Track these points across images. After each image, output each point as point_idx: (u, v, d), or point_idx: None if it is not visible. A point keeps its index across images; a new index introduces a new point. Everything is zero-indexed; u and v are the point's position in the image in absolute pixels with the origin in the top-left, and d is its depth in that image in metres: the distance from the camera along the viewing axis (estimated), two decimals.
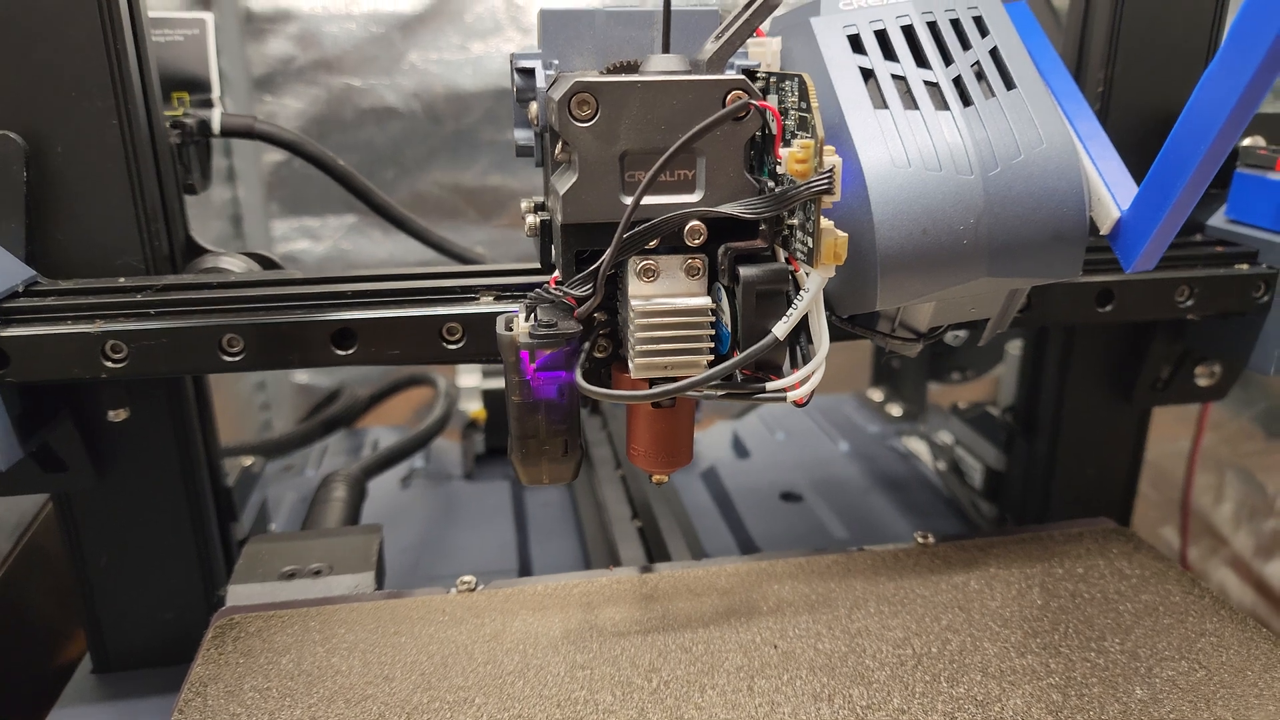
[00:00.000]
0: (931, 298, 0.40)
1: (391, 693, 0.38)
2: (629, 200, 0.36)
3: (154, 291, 0.44)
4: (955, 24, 0.42)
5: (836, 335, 0.46)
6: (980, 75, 0.40)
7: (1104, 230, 0.41)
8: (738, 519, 0.72)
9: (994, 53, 0.41)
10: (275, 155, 1.01)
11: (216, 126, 0.57)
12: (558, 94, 0.35)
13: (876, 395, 0.95)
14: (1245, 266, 0.51)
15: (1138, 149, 0.45)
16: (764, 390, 0.37)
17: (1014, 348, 0.65)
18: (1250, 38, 0.32)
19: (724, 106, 0.36)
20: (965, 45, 0.41)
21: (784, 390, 0.37)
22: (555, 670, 0.39)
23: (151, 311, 0.43)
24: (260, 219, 1.02)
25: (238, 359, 0.43)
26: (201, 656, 0.40)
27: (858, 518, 0.71)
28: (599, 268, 0.36)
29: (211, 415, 0.55)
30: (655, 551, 0.61)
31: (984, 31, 0.41)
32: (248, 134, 0.59)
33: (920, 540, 0.48)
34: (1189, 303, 0.50)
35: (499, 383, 0.84)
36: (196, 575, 0.52)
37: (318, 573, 0.46)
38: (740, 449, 0.87)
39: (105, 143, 0.46)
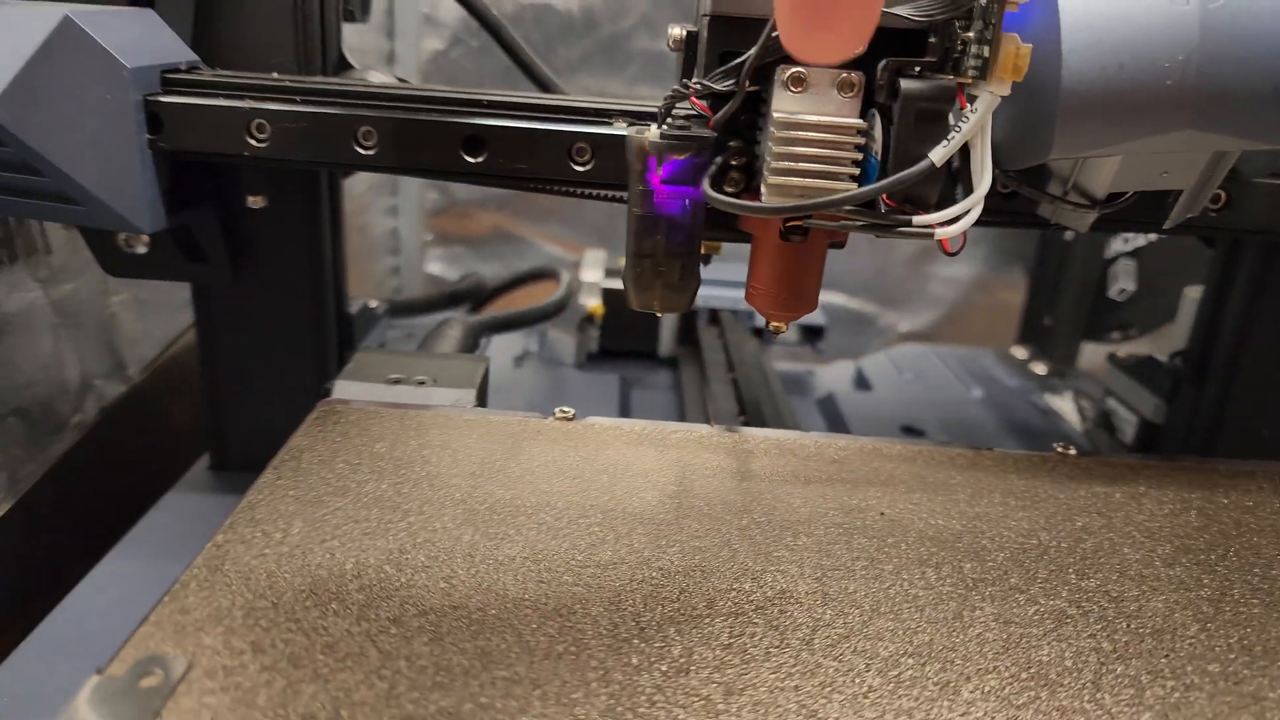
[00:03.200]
0: (1119, 149, 0.35)
1: (475, 486, 0.37)
2: None
3: (301, 83, 0.44)
4: None
5: (999, 211, 0.42)
6: None
7: None
8: None
9: None
10: (435, 43, 1.02)
11: None
12: None
13: (1020, 353, 0.88)
14: None
15: None
16: (909, 223, 0.34)
17: (1194, 291, 0.59)
18: None
19: None
20: None
21: (931, 225, 0.34)
22: (643, 494, 0.37)
23: (296, 99, 0.43)
24: None
25: (370, 153, 0.43)
26: (302, 430, 0.41)
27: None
28: (744, 62, 0.34)
29: (342, 236, 0.55)
30: None
31: None
32: None
33: (1060, 449, 0.43)
34: None
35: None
36: (312, 383, 0.53)
37: (422, 383, 0.45)
38: (863, 383, 0.83)
39: None
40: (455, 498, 0.36)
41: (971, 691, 0.27)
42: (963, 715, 0.27)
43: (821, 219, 0.35)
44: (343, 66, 0.52)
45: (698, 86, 0.35)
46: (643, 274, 0.38)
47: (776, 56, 0.34)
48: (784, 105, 0.34)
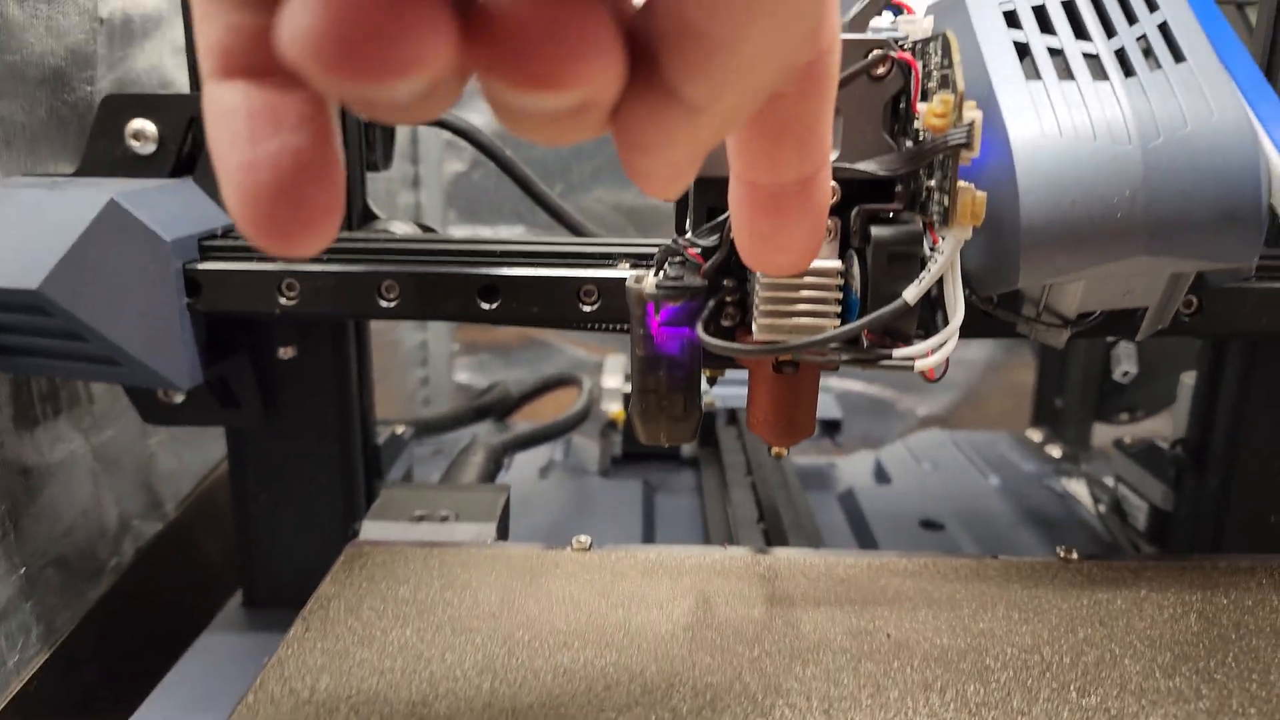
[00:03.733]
0: (1081, 276, 0.38)
1: (495, 628, 0.39)
2: None
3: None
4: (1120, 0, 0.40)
5: (979, 326, 0.45)
6: (1146, 50, 0.38)
7: None
8: (871, 540, 0.70)
9: (1163, 26, 0.39)
10: (457, 166, 1.08)
11: None
12: None
13: (1036, 435, 0.89)
14: None
15: None
16: (890, 356, 0.36)
17: (1189, 378, 0.60)
18: None
19: (863, 61, 0.35)
20: (1131, 19, 0.39)
21: (911, 359, 0.36)
22: (657, 628, 0.39)
23: (324, 257, 0.47)
24: (438, 222, 1.09)
25: (394, 305, 0.46)
26: (330, 577, 0.43)
27: (1004, 551, 0.67)
28: (726, 219, 0.37)
29: (369, 375, 0.59)
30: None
31: (1153, 7, 0.39)
32: (434, 122, 0.64)
33: (1062, 555, 0.45)
34: None
35: None
36: (341, 519, 0.56)
37: (445, 519, 0.48)
38: (882, 475, 0.84)
39: None
40: (476, 642, 0.37)
41: None
42: None
43: (809, 354, 0.37)
44: (368, 218, 0.56)
45: (685, 243, 0.38)
46: (648, 409, 0.41)
47: None
48: None
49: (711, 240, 0.37)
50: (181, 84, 0.65)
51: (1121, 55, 0.38)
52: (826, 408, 0.84)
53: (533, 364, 1.14)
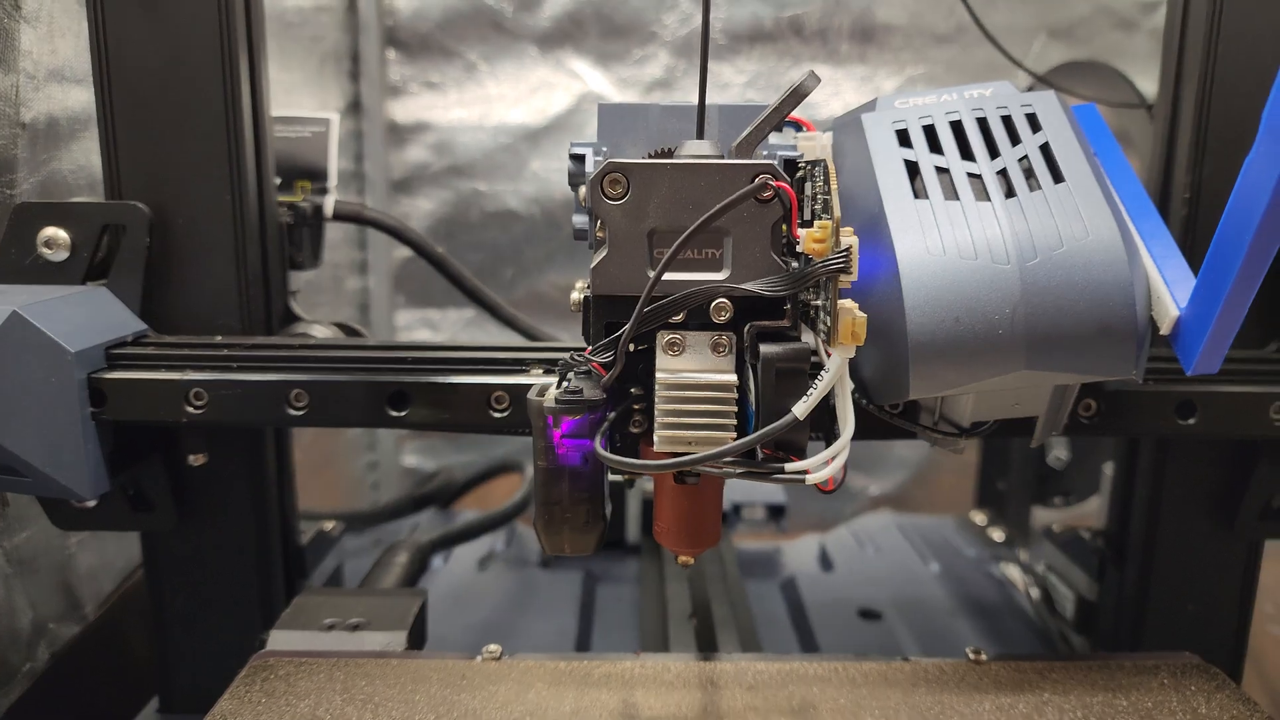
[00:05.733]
0: (968, 389, 0.38)
1: None
2: (653, 274, 0.37)
3: (240, 349, 0.48)
4: (1006, 120, 0.42)
5: (882, 430, 0.45)
6: (1028, 170, 0.40)
7: (1164, 330, 0.38)
8: (809, 631, 0.69)
9: (1044, 148, 0.40)
10: (404, 251, 1.09)
11: (329, 211, 0.63)
12: (594, 174, 0.38)
13: (979, 518, 0.90)
14: None
15: None
16: (783, 471, 0.37)
17: (1108, 468, 0.61)
18: None
19: (748, 186, 0.37)
20: (1015, 140, 0.41)
21: (804, 472, 0.36)
22: None
23: (233, 365, 0.47)
24: (386, 308, 1.09)
25: (302, 413, 0.46)
26: (229, 692, 0.42)
27: (935, 641, 0.67)
28: (620, 336, 0.37)
29: (290, 474, 0.58)
30: (707, 650, 0.59)
31: (1036, 127, 0.41)
32: (356, 219, 0.65)
33: (972, 656, 0.45)
34: None
35: None
36: (257, 625, 0.55)
37: (355, 627, 0.47)
38: (826, 562, 0.84)
39: (220, 218, 0.51)
40: None
41: None
42: None
43: (705, 467, 0.38)
44: (289, 319, 0.56)
45: (581, 359, 0.38)
46: (551, 520, 0.41)
47: (652, 327, 0.38)
48: (666, 365, 0.38)
49: (607, 357, 0.38)
50: None
51: (1004, 175, 0.39)
52: (773, 493, 0.84)
53: (483, 448, 1.14)
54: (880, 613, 0.72)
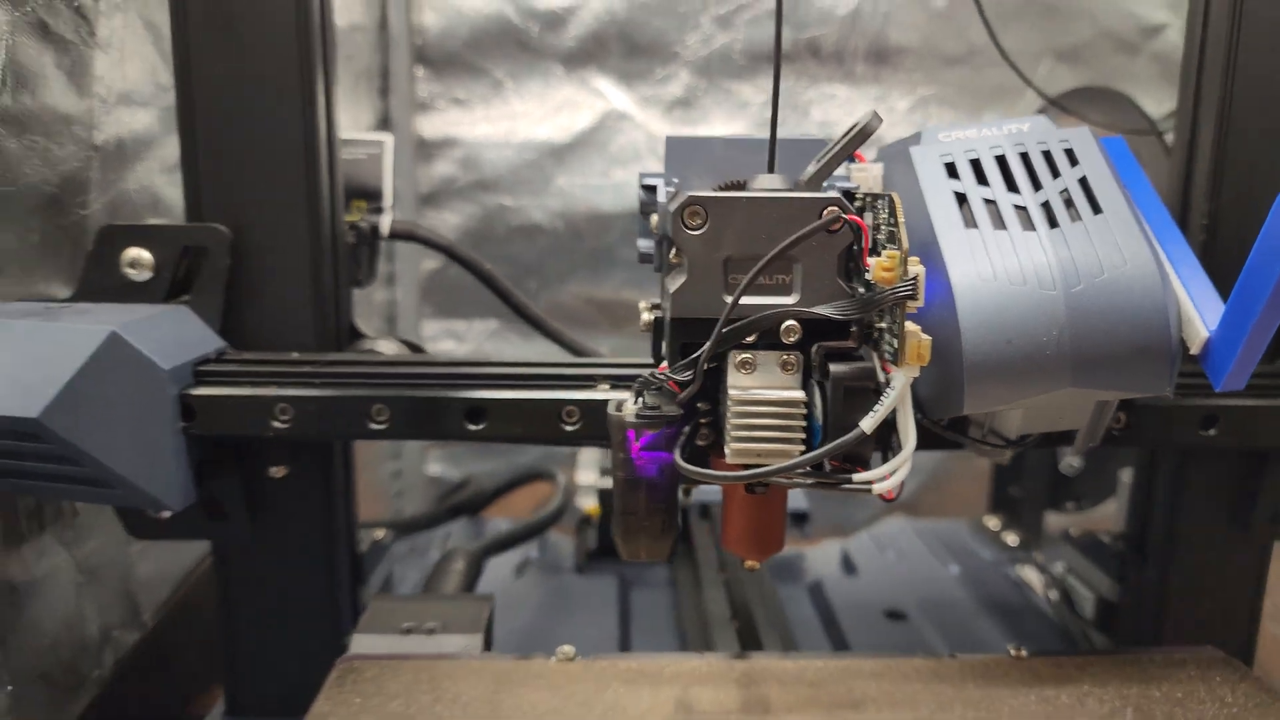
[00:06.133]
0: (1018, 405, 0.42)
1: None
2: (730, 299, 0.40)
3: (319, 365, 0.51)
4: (1046, 154, 0.45)
5: (933, 441, 0.48)
6: (1068, 201, 0.43)
7: (1194, 350, 0.42)
8: (839, 632, 0.72)
9: (1083, 181, 0.43)
10: (431, 263, 1.12)
11: (385, 230, 0.65)
12: (673, 206, 0.41)
13: (993, 523, 0.93)
14: None
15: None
16: (850, 481, 0.40)
17: (1126, 475, 0.65)
18: None
19: (820, 220, 0.40)
20: (1055, 173, 0.44)
21: (870, 482, 0.39)
22: None
23: (315, 381, 0.50)
24: (413, 319, 1.12)
25: (383, 427, 0.49)
26: (323, 695, 0.45)
27: (962, 640, 0.70)
28: (699, 356, 0.40)
29: (354, 486, 0.61)
30: (750, 649, 0.62)
31: (1074, 161, 0.44)
32: (410, 237, 0.68)
33: (1013, 653, 0.48)
34: None
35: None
36: (326, 631, 0.57)
37: (432, 631, 0.50)
38: (849, 566, 0.87)
39: (296, 238, 0.54)
40: None
41: None
42: None
43: (777, 479, 0.41)
44: (354, 336, 0.59)
45: (662, 378, 0.41)
46: (628, 529, 0.43)
47: (727, 347, 0.41)
48: (738, 382, 0.41)
49: (686, 375, 0.41)
50: (170, 199, 0.69)
51: (1046, 207, 0.43)
52: (795, 499, 0.87)
53: (506, 455, 1.16)
54: (906, 614, 0.75)
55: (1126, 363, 0.40)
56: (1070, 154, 0.45)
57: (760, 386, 0.41)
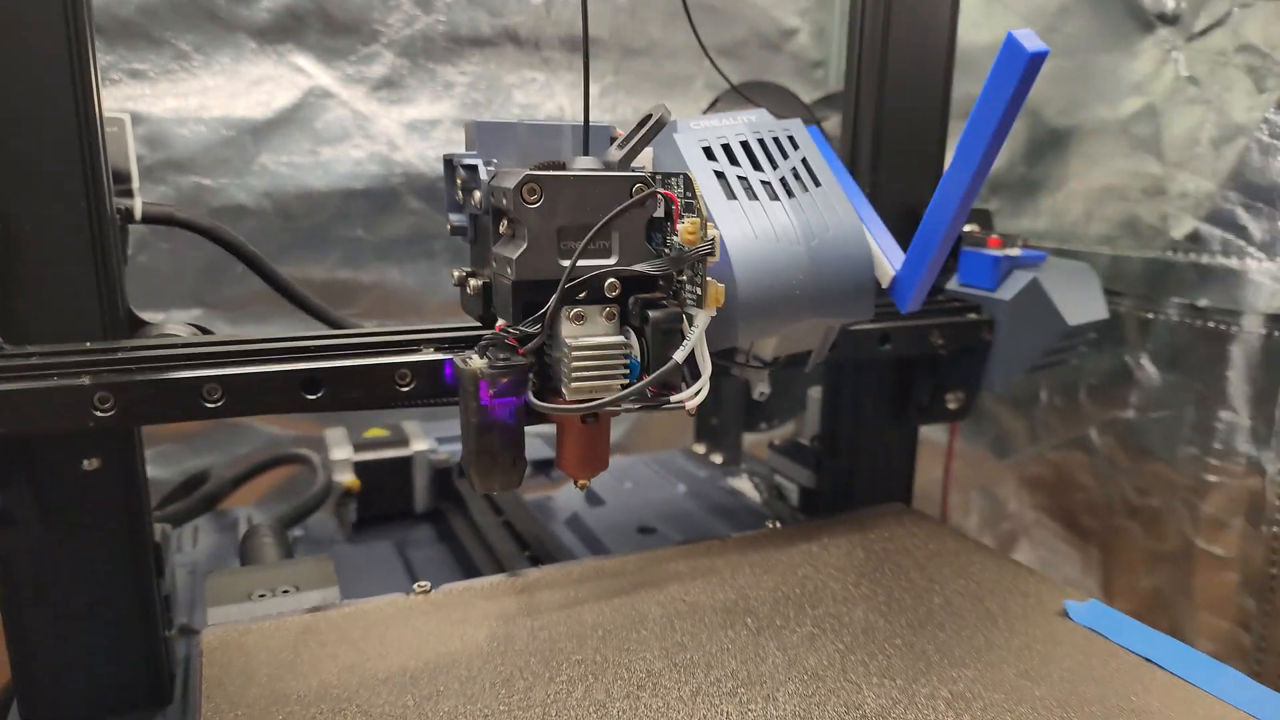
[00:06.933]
0: (775, 333, 0.55)
1: (415, 668, 0.46)
2: (566, 263, 0.48)
3: (128, 350, 0.50)
4: (776, 140, 0.58)
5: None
6: (797, 176, 0.57)
7: (884, 284, 0.58)
8: (605, 551, 0.83)
9: (804, 161, 0.57)
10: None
11: (138, 213, 0.63)
12: (510, 183, 0.47)
13: (700, 448, 1.10)
14: (974, 315, 0.71)
15: (895, 230, 0.62)
16: (669, 401, 0.50)
17: (815, 392, 0.83)
18: (967, 154, 0.50)
19: (631, 196, 0.49)
20: (785, 155, 0.57)
21: (683, 402, 0.50)
22: (518, 641, 0.48)
23: (133, 367, 0.49)
24: None
25: (219, 405, 0.50)
26: (208, 673, 0.46)
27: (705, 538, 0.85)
28: (545, 312, 0.48)
29: (145, 473, 0.59)
30: None
31: (796, 145, 0.58)
32: (169, 221, 0.65)
33: (771, 525, 0.62)
34: (940, 342, 0.69)
35: (369, 455, 0.91)
36: (137, 624, 0.56)
37: (287, 592, 0.52)
38: (595, 499, 0.98)
39: (75, 224, 0.52)
40: (384, 696, 0.44)
41: (776, 695, 0.43)
42: (777, 710, 0.42)
43: (610, 407, 0.50)
44: (135, 323, 0.57)
45: (510, 329, 0.48)
46: (484, 465, 0.50)
47: (565, 304, 0.49)
48: (571, 332, 0.49)
49: (536, 328, 0.48)
50: None
51: (784, 182, 0.56)
52: (539, 449, 0.96)
53: (226, 448, 1.11)
54: (655, 528, 0.88)
55: (847, 297, 0.55)
56: (792, 140, 0.58)
57: (590, 334, 0.50)
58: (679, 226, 0.48)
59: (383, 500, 0.89)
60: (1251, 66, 0.81)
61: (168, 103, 1.03)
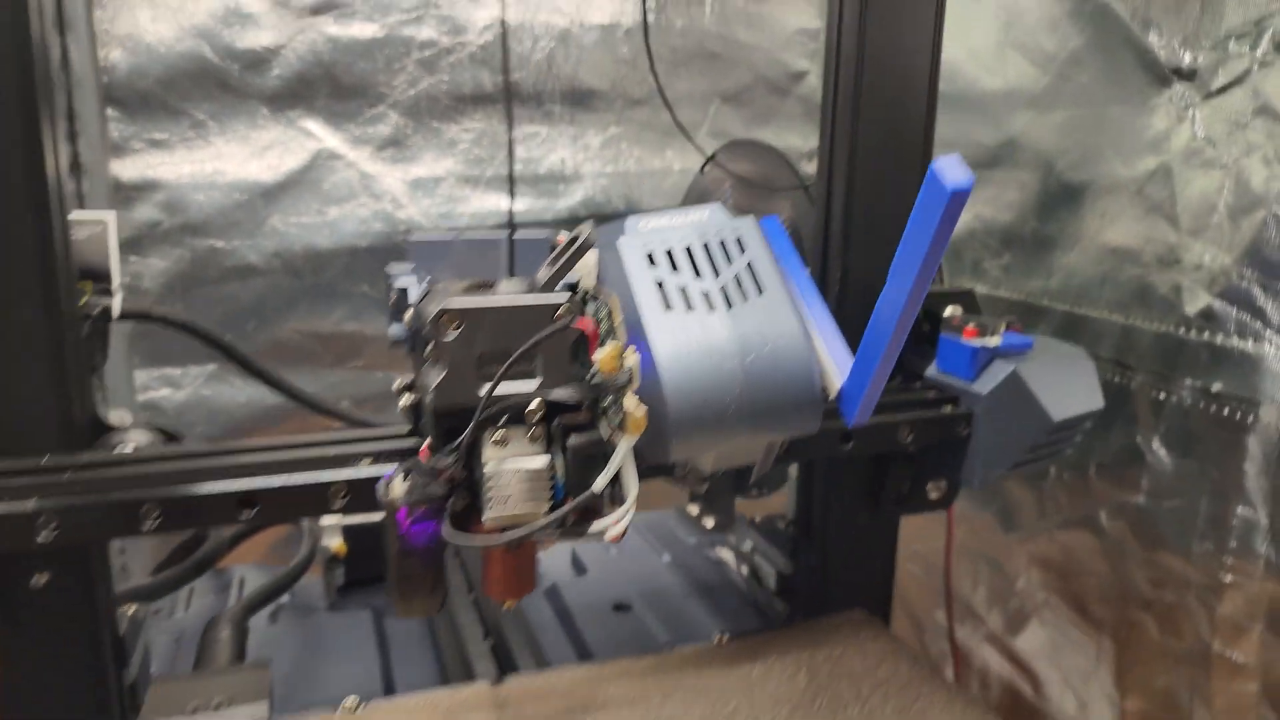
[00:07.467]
0: (711, 449, 0.54)
1: None
2: (484, 391, 0.48)
3: (75, 470, 0.51)
4: (722, 244, 0.56)
5: (646, 474, 0.60)
6: (739, 283, 0.55)
7: (831, 396, 0.56)
8: (576, 631, 0.83)
9: (749, 265, 0.55)
10: None
11: (116, 311, 0.65)
12: (430, 311, 0.48)
13: (693, 509, 1.09)
14: (950, 408, 0.69)
15: (867, 310, 0.59)
16: (588, 529, 0.50)
17: (794, 470, 0.81)
18: (899, 280, 0.48)
19: (554, 321, 0.49)
20: (729, 260, 0.56)
21: (604, 530, 0.50)
22: None
23: (76, 488, 0.50)
24: (124, 370, 1.06)
25: (157, 524, 0.51)
26: None
27: (677, 621, 0.83)
28: (460, 444, 0.48)
29: (109, 568, 0.61)
30: (505, 665, 0.70)
31: (743, 248, 0.56)
32: (145, 317, 0.67)
33: (717, 639, 0.61)
34: (910, 438, 0.67)
35: (358, 519, 0.92)
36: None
37: (219, 706, 0.53)
38: (579, 566, 0.98)
39: (31, 327, 0.53)
40: None
41: None
42: None
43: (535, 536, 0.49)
44: (99, 427, 0.59)
45: (429, 465, 0.48)
46: (404, 592, 0.50)
47: (484, 431, 0.49)
48: (493, 455, 0.49)
49: (450, 459, 0.48)
50: None
51: (725, 290, 0.54)
52: None
53: None
54: (630, 605, 0.87)
55: (787, 412, 0.53)
56: (740, 242, 0.57)
57: (511, 457, 0.49)
58: (594, 356, 0.48)
59: (371, 564, 0.90)
60: (1271, 132, 0.77)
61: (184, 169, 1.06)
